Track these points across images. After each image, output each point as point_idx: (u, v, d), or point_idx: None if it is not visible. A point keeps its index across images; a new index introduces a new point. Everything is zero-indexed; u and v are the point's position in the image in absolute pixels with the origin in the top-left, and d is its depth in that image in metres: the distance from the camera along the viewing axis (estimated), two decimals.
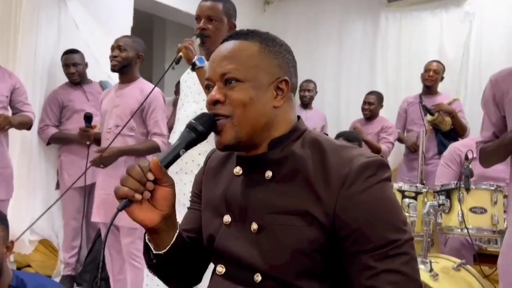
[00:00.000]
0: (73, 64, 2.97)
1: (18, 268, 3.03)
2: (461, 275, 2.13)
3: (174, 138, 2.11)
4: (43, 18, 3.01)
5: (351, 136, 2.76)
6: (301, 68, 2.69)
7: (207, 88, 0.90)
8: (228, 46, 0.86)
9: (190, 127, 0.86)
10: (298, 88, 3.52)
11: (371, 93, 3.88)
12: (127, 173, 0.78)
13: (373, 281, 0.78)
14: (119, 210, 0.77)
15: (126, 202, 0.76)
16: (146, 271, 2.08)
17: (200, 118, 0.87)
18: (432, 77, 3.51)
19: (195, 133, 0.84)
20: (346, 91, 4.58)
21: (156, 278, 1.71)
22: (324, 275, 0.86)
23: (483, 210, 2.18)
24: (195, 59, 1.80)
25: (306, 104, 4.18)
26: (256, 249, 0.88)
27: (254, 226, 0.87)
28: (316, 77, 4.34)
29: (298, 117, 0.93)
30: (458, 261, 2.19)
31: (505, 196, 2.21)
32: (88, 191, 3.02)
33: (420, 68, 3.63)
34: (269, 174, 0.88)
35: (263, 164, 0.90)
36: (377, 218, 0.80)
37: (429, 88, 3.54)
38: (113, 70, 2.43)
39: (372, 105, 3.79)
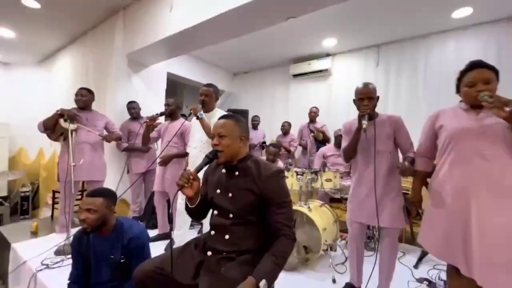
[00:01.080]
0: (133, 108, 3.09)
1: None
2: (322, 209, 2.34)
3: (190, 150, 2.16)
4: (120, 85, 3.23)
5: (275, 145, 2.99)
6: (252, 108, 3.47)
7: (212, 138, 1.11)
8: (221, 121, 1.11)
9: (207, 156, 1.07)
10: (251, 121, 4.06)
11: (285, 122, 4.13)
12: (182, 175, 1.01)
13: (276, 216, 1.03)
14: (179, 189, 1.01)
15: (181, 187, 1.01)
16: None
17: (211, 152, 1.08)
18: (313, 115, 3.89)
19: (209, 158, 1.07)
20: (274, 121, 4.76)
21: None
22: (257, 213, 1.07)
23: (330, 180, 2.42)
24: (198, 114, 1.94)
25: (255, 127, 4.38)
26: (231, 204, 1.08)
27: (230, 194, 1.08)
28: (260, 113, 4.63)
29: (250, 149, 1.29)
30: (321, 202, 2.46)
31: (340, 173, 2.45)
32: (145, 175, 3.05)
33: (307, 110, 3.93)
34: (236, 173, 1.10)
35: (235, 169, 1.11)
36: (278, 192, 1.05)
37: (312, 120, 3.89)
38: (164, 115, 2.40)
39: (286, 127, 4.08)
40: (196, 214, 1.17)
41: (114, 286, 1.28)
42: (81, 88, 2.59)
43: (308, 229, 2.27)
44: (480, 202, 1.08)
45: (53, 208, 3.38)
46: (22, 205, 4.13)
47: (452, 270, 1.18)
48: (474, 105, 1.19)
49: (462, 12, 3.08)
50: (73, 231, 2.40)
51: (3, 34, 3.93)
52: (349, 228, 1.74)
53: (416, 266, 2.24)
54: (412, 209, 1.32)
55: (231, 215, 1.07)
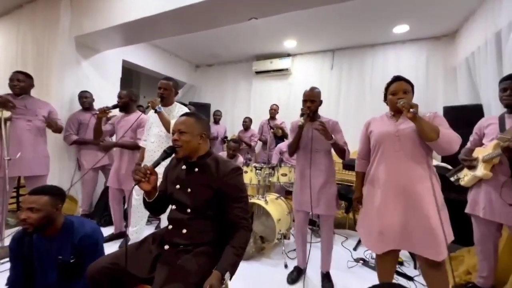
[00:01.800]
0: (85, 97, 2.89)
1: None
2: (278, 201, 2.45)
3: (148, 144, 2.09)
4: (67, 71, 2.94)
5: (236, 140, 3.07)
6: (214, 103, 3.50)
7: (173, 134, 1.12)
8: (183, 118, 1.14)
9: (165, 151, 1.08)
10: (213, 115, 4.06)
11: (246, 117, 4.22)
12: (138, 169, 1.01)
13: (234, 210, 1.08)
14: (135, 184, 1.02)
15: (138, 182, 1.02)
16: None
17: (169, 148, 1.10)
18: (273, 112, 4.00)
19: (166, 153, 1.08)
20: (236, 116, 4.87)
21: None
22: (214, 208, 1.10)
23: (285, 174, 2.57)
24: (156, 108, 1.91)
25: (217, 122, 4.41)
26: (189, 199, 1.10)
27: (189, 190, 1.11)
28: (222, 108, 4.70)
29: (210, 147, 1.17)
30: (277, 195, 2.56)
31: (295, 168, 2.36)
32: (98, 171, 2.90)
33: (268, 107, 4.05)
34: (196, 169, 1.13)
35: (195, 165, 1.14)
36: (235, 188, 1.09)
37: (272, 117, 4.02)
38: (118, 108, 2.30)
39: (247, 123, 4.13)
40: (154, 209, 1.18)
41: (62, 287, 1.23)
42: (17, 72, 2.32)
43: (264, 220, 2.44)
44: (391, 199, 1.31)
45: None
46: None
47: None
48: (396, 111, 1.42)
49: (401, 28, 3.53)
50: (8, 232, 2.24)
51: None
52: (295, 216, 1.91)
53: (355, 249, 2.57)
54: (356, 206, 1.54)
55: (189, 210, 1.10)
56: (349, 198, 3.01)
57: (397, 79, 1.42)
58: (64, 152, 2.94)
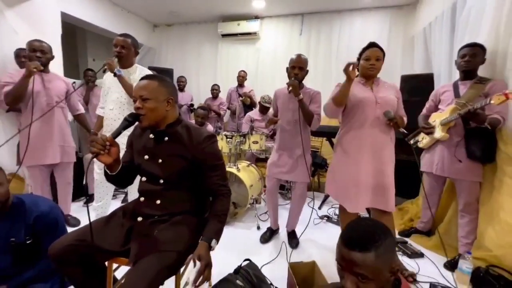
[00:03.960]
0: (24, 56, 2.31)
1: None
2: (249, 168, 2.56)
3: (106, 112, 1.93)
4: None
5: (204, 107, 3.00)
6: (176, 68, 3.24)
7: (134, 101, 1.04)
8: (144, 82, 1.04)
9: (126, 119, 1.01)
10: (176, 82, 3.80)
11: (215, 84, 4.08)
12: (95, 141, 0.93)
13: (211, 179, 1.06)
14: (93, 157, 0.93)
15: (96, 155, 0.94)
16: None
17: (130, 115, 1.02)
18: (241, 79, 3.91)
19: (128, 122, 1.01)
20: (202, 83, 4.70)
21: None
22: (189, 177, 1.07)
23: (257, 142, 2.57)
24: (115, 71, 1.78)
25: (181, 89, 4.17)
26: (160, 170, 1.07)
27: (160, 160, 1.08)
28: (186, 74, 4.42)
29: (180, 114, 1.12)
30: (248, 162, 2.68)
31: (265, 136, 2.58)
32: None
33: (236, 73, 3.93)
34: (166, 138, 1.09)
35: (164, 134, 1.09)
36: (211, 155, 1.06)
37: (240, 84, 3.93)
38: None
39: (217, 90, 4.04)
40: (119, 182, 1.12)
41: (18, 271, 1.16)
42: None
43: (236, 187, 2.51)
44: (364, 161, 1.44)
45: None
46: None
47: (343, 208, 1.58)
48: (367, 77, 1.50)
49: None
50: None
51: None
52: (267, 183, 1.99)
53: (320, 207, 2.84)
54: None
55: (161, 181, 1.06)
56: (315, 163, 3.22)
57: (372, 45, 1.46)
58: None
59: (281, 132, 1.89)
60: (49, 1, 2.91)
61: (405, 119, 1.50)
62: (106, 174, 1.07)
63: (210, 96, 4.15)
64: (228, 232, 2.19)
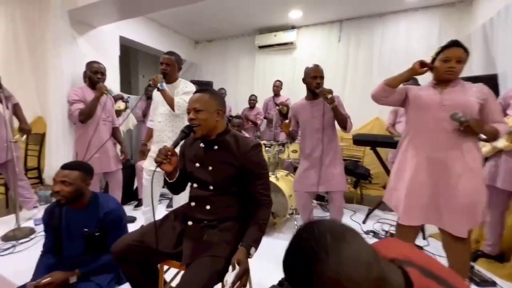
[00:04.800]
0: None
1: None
2: (288, 178, 2.50)
3: (155, 124, 2.05)
4: (63, 50, 2.80)
5: (239, 116, 3.08)
6: (216, 81, 3.41)
7: (188, 113, 1.09)
8: (197, 95, 1.10)
9: (183, 131, 1.06)
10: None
11: (253, 95, 4.15)
12: (160, 152, 1.01)
13: (255, 187, 1.08)
14: (157, 166, 1.01)
15: (159, 164, 1.01)
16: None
17: (187, 127, 1.07)
18: (276, 89, 3.92)
19: (185, 133, 1.06)
20: (240, 94, 4.84)
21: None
22: (237, 184, 1.10)
23: (296, 151, 2.51)
24: (158, 85, 1.86)
25: None
26: (210, 177, 1.11)
27: (210, 167, 1.11)
28: (225, 86, 4.60)
29: (227, 124, 1.15)
30: (287, 172, 2.62)
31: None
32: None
33: (272, 84, 3.95)
34: (216, 147, 1.12)
35: (214, 143, 1.12)
36: (256, 164, 1.07)
37: (276, 94, 3.95)
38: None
39: (254, 101, 4.11)
40: (175, 188, 1.19)
41: (87, 260, 1.28)
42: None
43: (274, 196, 2.44)
44: (425, 171, 1.28)
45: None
46: None
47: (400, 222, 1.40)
48: (442, 80, 1.29)
49: None
50: (23, 213, 2.33)
51: None
52: (297, 198, 1.95)
53: (364, 222, 2.63)
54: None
55: (211, 187, 1.10)
56: (357, 173, 3.04)
57: (454, 44, 1.24)
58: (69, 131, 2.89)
59: (307, 141, 1.85)
60: (110, 28, 3.34)
61: (500, 126, 1.23)
62: (165, 181, 1.13)
63: (248, 106, 4.23)
64: (267, 241, 2.12)
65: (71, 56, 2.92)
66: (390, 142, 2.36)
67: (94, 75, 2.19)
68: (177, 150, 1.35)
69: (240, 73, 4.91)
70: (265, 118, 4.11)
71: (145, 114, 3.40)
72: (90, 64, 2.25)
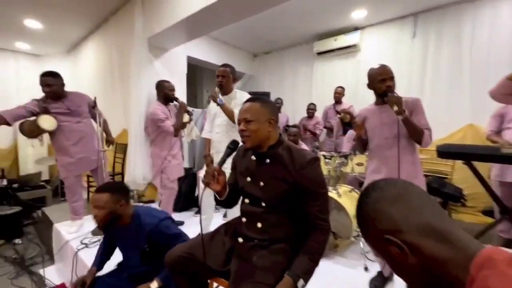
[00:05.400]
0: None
1: (139, 196, 3.38)
2: (352, 194, 2.31)
3: (213, 135, 2.14)
4: (142, 72, 3.21)
5: (295, 125, 2.99)
6: (273, 91, 3.41)
7: (239, 124, 1.08)
8: (247, 105, 1.08)
9: (228, 146, 1.07)
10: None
11: (311, 103, 4.09)
12: (206, 173, 1.02)
13: (311, 208, 1.00)
14: (205, 188, 1.03)
15: (207, 184, 1.03)
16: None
17: (232, 143, 1.08)
18: (337, 96, 3.76)
19: (230, 150, 1.08)
20: (297, 103, 4.74)
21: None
22: (290, 202, 1.04)
23: (361, 164, 2.36)
24: (218, 101, 1.95)
25: (278, 110, 4.44)
26: (261, 192, 1.07)
27: (261, 183, 1.07)
28: (282, 96, 4.65)
29: (280, 134, 1.11)
30: (351, 187, 2.41)
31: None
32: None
33: (332, 90, 3.80)
34: (267, 160, 1.08)
35: (265, 156, 1.09)
36: (313, 182, 1.00)
37: (337, 101, 3.80)
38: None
39: (313, 110, 4.05)
40: (226, 204, 1.19)
41: (147, 271, 1.33)
42: (43, 76, 2.23)
43: (336, 214, 2.21)
44: None
45: (88, 191, 3.61)
46: (62, 188, 4.47)
47: None
48: None
49: None
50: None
51: (32, 26, 4.07)
52: None
53: None
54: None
55: (263, 204, 1.06)
56: (444, 193, 2.49)
57: None
58: (144, 144, 3.29)
59: (377, 152, 1.64)
60: (179, 50, 3.74)
61: None
62: (216, 199, 1.13)
63: (306, 115, 4.13)
64: (327, 266, 1.93)
65: (148, 76, 3.36)
66: (495, 155, 1.81)
67: (170, 92, 2.54)
68: (229, 161, 1.33)
69: (297, 82, 4.84)
70: (325, 127, 3.97)
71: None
72: (164, 83, 2.56)
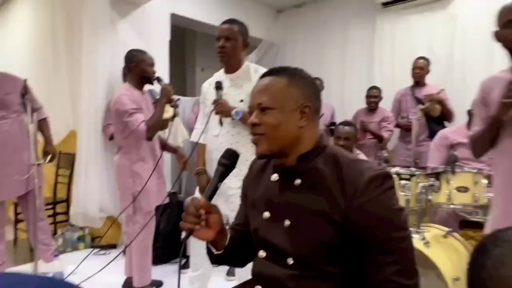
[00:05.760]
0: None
1: (92, 239, 3.50)
2: (449, 241, 2.22)
3: (209, 138, 2.20)
4: (100, 39, 3.33)
5: (349, 122, 3.04)
6: (308, 67, 3.31)
7: (249, 113, 1.08)
8: (264, 82, 1.06)
9: (219, 163, 1.07)
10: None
11: (374, 87, 4.06)
12: (186, 212, 1.00)
13: (382, 268, 0.93)
14: (186, 238, 1.00)
15: (190, 232, 0.98)
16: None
17: (226, 155, 1.08)
18: (418, 73, 3.72)
19: (224, 167, 1.06)
20: (349, 85, 4.74)
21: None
22: (340, 259, 0.99)
23: (466, 189, 2.28)
24: (233, 115, 1.97)
25: None
26: (289, 240, 1.03)
27: (287, 222, 1.04)
28: (323, 74, 4.44)
29: (321, 135, 1.09)
30: (446, 229, 2.31)
31: (485, 177, 2.35)
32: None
33: (409, 65, 3.81)
34: (298, 182, 1.04)
35: (294, 173, 1.05)
36: (382, 220, 0.94)
37: (418, 83, 3.78)
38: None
39: (376, 97, 4.00)
40: (231, 260, 1.19)
41: None
42: None
43: (423, 275, 2.09)
44: None
45: (15, 228, 3.70)
46: None
47: None
48: None
49: None
50: None
51: None
52: None
53: None
54: None
55: (290, 261, 1.01)
56: None
57: None
58: (104, 151, 3.34)
59: (506, 162, 1.65)
60: (158, 3, 3.79)
61: None
62: (209, 253, 1.12)
63: (364, 107, 4.15)
64: None
65: (109, 47, 3.43)
66: None
67: (149, 69, 2.53)
68: (236, 180, 1.40)
69: (349, 53, 4.82)
70: (397, 126, 3.99)
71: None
72: (138, 55, 2.56)
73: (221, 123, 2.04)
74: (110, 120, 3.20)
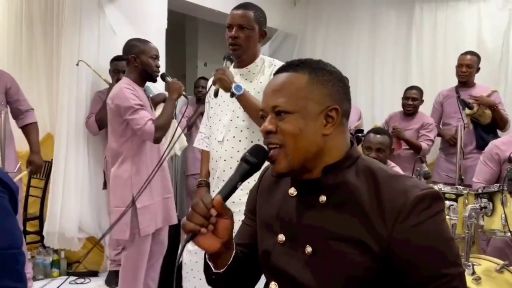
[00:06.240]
0: (123, 71, 3.04)
1: (68, 264, 3.47)
2: (504, 277, 2.20)
3: (211, 141, 2.25)
4: (84, 25, 3.28)
5: (381, 130, 3.05)
6: (331, 62, 3.15)
7: (262, 118, 1.05)
8: (279, 79, 1.03)
9: (244, 159, 1.04)
10: None
11: (412, 87, 4.01)
12: (193, 209, 0.96)
13: None
14: (187, 241, 0.96)
15: (193, 235, 0.95)
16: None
17: (253, 151, 1.06)
18: (465, 73, 3.69)
19: (249, 165, 1.03)
20: (380, 84, 4.75)
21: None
22: None
23: None
24: (232, 89, 1.96)
25: None
26: (309, 271, 0.99)
27: (309, 249, 0.99)
28: (349, 71, 4.44)
29: (352, 142, 1.06)
30: (501, 262, 2.27)
31: None
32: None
33: (454, 60, 3.82)
34: (323, 198, 1.00)
35: (317, 188, 1.02)
36: (430, 252, 0.90)
37: (464, 82, 3.75)
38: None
39: (416, 100, 3.93)
40: (228, 283, 1.13)
41: None
42: None
43: None
44: None
45: None
46: None
47: None
48: None
49: None
50: None
51: None
52: None
53: None
54: None
55: None
56: None
57: None
58: (86, 156, 3.34)
59: None
60: None
61: None
62: (206, 271, 1.09)
63: (399, 111, 4.14)
64: None
65: (94, 35, 3.37)
66: None
67: (153, 62, 2.55)
68: (241, 195, 1.54)
69: (379, 46, 4.85)
70: (439, 135, 4.01)
71: (192, 125, 3.70)
72: (140, 46, 2.54)
73: (216, 94, 2.02)
74: (94, 109, 3.27)
